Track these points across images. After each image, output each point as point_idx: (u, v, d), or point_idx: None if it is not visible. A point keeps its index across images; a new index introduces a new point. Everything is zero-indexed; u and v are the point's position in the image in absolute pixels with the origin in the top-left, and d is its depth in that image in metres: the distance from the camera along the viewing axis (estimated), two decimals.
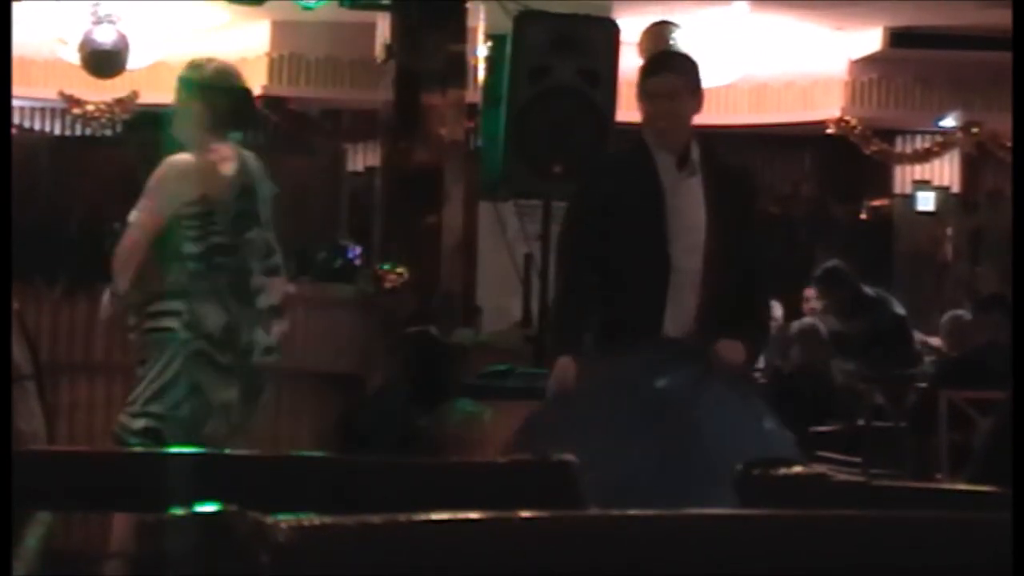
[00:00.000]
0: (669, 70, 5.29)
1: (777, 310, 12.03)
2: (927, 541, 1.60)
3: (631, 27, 10.50)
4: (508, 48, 7.57)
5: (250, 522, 1.41)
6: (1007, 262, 12.13)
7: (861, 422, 9.64)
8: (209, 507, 1.42)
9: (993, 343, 8.23)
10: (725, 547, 1.55)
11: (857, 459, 9.24)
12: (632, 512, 1.58)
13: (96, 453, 3.42)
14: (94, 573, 6.41)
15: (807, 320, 10.93)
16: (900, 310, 10.55)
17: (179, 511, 1.43)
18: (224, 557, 1.40)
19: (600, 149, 7.21)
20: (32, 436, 5.78)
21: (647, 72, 5.38)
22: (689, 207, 5.14)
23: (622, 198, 5.15)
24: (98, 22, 11.88)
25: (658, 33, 11.62)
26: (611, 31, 7.56)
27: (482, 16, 9.51)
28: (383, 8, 9.49)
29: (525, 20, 7.58)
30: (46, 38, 11.78)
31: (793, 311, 11.87)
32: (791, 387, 10.03)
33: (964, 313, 9.93)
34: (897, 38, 12.73)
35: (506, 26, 7.83)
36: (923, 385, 8.93)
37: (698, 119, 5.29)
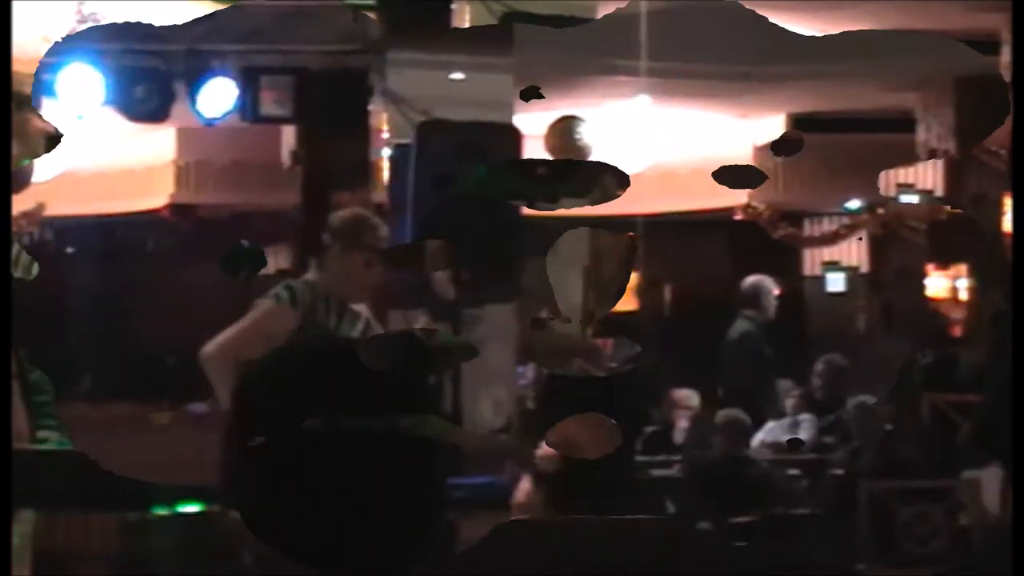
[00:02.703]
0: None
1: (693, 399, 12.05)
2: None
3: (536, 122, 10.55)
4: (412, 156, 7.60)
5: (232, 522, 1.40)
6: (918, 333, 12.25)
7: (780, 510, 9.66)
8: (192, 507, 1.41)
9: (900, 429, 8.30)
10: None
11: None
12: (615, 517, 1.57)
13: (80, 453, 3.39)
14: (77, 573, 6.32)
15: (732, 411, 10.89)
16: None
17: (163, 511, 1.42)
18: (207, 557, 1.40)
19: (510, 254, 7.24)
20: (16, 436, 5.77)
21: None
22: None
23: None
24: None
25: (564, 128, 11.68)
26: (514, 136, 7.62)
27: (385, 120, 9.55)
28: (285, 122, 9.52)
29: (427, 129, 7.62)
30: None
31: (708, 398, 11.86)
32: (712, 476, 10.04)
33: (868, 398, 9.96)
34: (800, 123, 12.88)
35: (409, 134, 7.87)
36: (839, 472, 8.97)
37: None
